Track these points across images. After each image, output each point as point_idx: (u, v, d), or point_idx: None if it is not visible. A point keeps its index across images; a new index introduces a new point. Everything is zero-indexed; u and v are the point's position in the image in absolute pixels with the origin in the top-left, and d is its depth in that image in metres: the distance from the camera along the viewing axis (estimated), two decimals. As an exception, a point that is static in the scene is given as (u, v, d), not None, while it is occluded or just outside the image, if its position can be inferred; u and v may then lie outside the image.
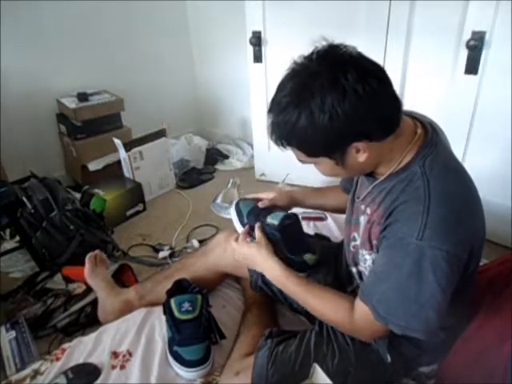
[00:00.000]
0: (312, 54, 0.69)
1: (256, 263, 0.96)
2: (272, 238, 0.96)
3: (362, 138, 0.70)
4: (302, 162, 0.79)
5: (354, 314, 0.81)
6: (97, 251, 1.41)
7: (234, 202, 1.08)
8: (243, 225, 1.03)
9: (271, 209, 1.04)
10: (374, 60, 0.70)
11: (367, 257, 0.86)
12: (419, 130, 0.77)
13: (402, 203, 0.73)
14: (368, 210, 0.83)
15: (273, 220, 0.97)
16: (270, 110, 0.73)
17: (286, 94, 0.69)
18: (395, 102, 0.71)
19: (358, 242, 0.90)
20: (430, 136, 0.77)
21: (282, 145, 0.75)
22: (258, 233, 0.98)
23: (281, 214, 0.98)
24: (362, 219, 0.86)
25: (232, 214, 1.07)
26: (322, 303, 0.87)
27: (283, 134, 0.73)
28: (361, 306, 0.78)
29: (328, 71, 0.66)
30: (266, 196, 1.10)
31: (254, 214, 1.03)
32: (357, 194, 0.92)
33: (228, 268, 1.20)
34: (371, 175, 0.82)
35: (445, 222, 0.69)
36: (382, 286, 0.74)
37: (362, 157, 0.72)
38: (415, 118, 0.82)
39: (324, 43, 0.70)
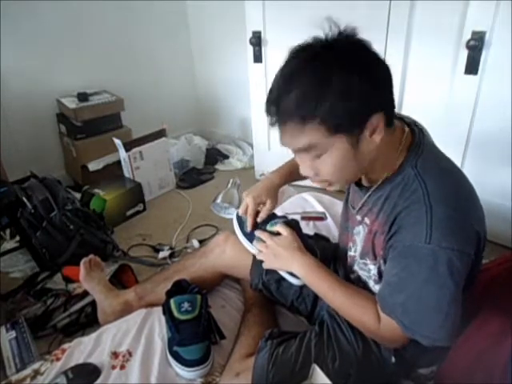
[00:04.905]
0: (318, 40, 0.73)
1: (288, 254, 0.91)
2: None
3: (380, 109, 0.68)
4: (296, 151, 0.74)
5: (379, 322, 0.79)
6: (91, 256, 1.42)
7: (235, 214, 1.09)
8: (245, 234, 1.03)
9: (271, 216, 1.05)
10: None
11: (371, 267, 0.85)
12: (406, 128, 0.78)
13: (404, 209, 0.71)
14: (367, 220, 0.82)
15: (272, 227, 0.99)
16: (281, 84, 0.70)
17: (301, 62, 0.72)
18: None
19: (352, 253, 0.89)
20: (417, 135, 0.77)
21: (297, 120, 0.67)
22: (284, 229, 0.94)
23: (279, 222, 1.00)
24: (361, 230, 0.85)
25: (235, 226, 1.08)
26: (349, 305, 0.84)
27: (310, 101, 0.66)
28: (385, 317, 0.77)
29: (345, 48, 0.71)
30: (270, 208, 1.04)
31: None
32: (350, 202, 0.91)
33: (227, 269, 1.20)
34: (363, 186, 0.81)
35: (450, 220, 0.68)
36: (400, 297, 0.73)
37: (377, 138, 0.70)
38: (400, 117, 0.82)
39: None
